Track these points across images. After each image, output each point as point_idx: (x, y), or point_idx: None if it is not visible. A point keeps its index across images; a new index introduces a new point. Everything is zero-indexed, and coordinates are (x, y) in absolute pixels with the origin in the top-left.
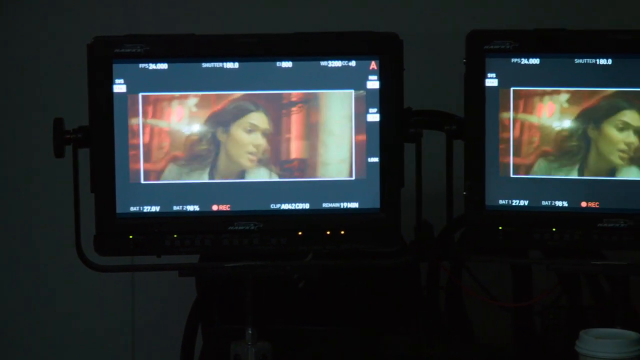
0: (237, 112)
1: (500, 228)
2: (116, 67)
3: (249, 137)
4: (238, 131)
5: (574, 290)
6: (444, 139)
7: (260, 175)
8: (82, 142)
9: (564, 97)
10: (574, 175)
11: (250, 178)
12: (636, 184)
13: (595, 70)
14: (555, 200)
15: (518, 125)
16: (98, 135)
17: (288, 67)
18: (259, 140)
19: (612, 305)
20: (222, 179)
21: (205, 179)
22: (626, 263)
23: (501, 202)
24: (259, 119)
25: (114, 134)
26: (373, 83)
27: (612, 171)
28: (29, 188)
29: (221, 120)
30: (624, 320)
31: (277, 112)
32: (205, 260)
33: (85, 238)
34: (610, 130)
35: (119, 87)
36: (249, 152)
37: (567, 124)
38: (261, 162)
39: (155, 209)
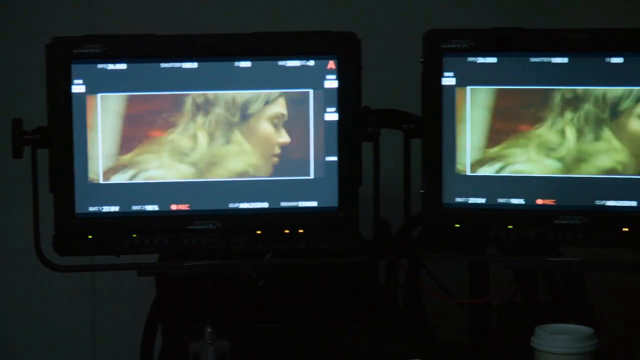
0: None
1: (457, 226)
2: (75, 68)
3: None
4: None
5: (530, 286)
6: (402, 137)
7: (219, 174)
8: (41, 142)
9: (520, 96)
10: (531, 173)
11: (208, 177)
12: (591, 180)
13: (551, 69)
14: (511, 198)
15: (475, 123)
16: (57, 136)
17: (247, 67)
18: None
19: (568, 301)
20: (181, 179)
21: (164, 178)
22: (581, 259)
23: (458, 200)
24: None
25: (72, 135)
26: (331, 82)
27: (567, 168)
28: None
29: (182, 122)
30: (579, 316)
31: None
32: (165, 259)
33: (45, 238)
34: (573, 128)
35: (78, 87)
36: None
37: (524, 123)
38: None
39: (115, 208)
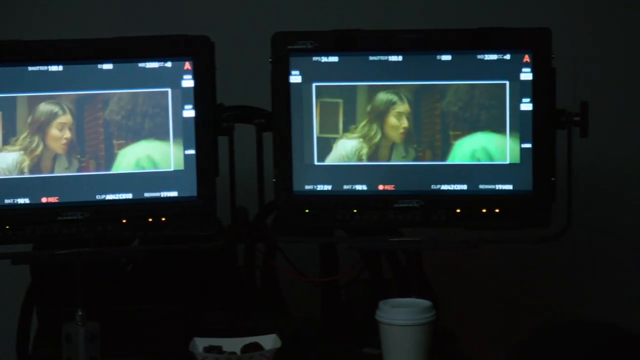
0: (51, 114)
1: (307, 211)
2: None
3: (60, 133)
4: (52, 129)
5: (375, 264)
6: (255, 131)
7: (86, 168)
8: None
9: (360, 91)
10: (371, 161)
11: (76, 172)
12: (426, 167)
13: (388, 66)
14: (355, 184)
15: (320, 117)
16: None
17: (109, 69)
18: (67, 134)
19: (408, 277)
20: (50, 173)
21: (34, 173)
22: (419, 238)
23: (307, 187)
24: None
25: None
26: (188, 82)
27: (397, 155)
28: None
29: (41, 122)
30: (418, 290)
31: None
32: (39, 248)
33: None
34: (391, 119)
35: None
36: (63, 143)
37: (361, 115)
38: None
39: None
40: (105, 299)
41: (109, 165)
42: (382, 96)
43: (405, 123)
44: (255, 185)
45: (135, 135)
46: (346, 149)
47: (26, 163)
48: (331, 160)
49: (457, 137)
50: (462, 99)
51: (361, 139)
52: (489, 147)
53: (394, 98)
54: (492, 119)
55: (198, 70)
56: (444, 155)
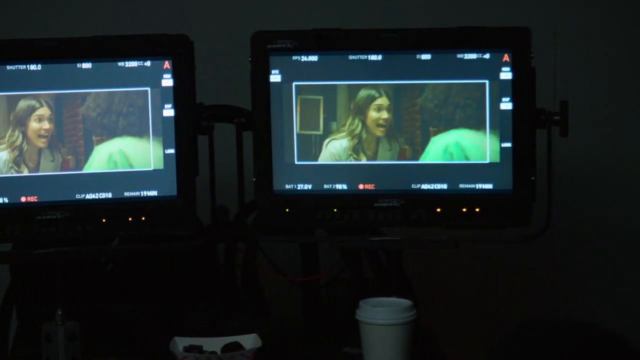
0: (29, 107)
1: (287, 210)
2: None
3: (39, 124)
4: (32, 122)
5: (355, 264)
6: (235, 130)
7: (66, 167)
8: None
9: (340, 90)
10: (352, 161)
11: (56, 171)
12: (406, 167)
13: (368, 66)
14: (335, 184)
15: (301, 116)
16: None
17: (88, 68)
18: (47, 125)
19: (389, 276)
20: (29, 173)
21: (13, 172)
22: (400, 238)
23: (287, 186)
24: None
25: None
26: (167, 81)
27: (383, 150)
28: None
29: (20, 116)
30: (399, 289)
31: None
32: (19, 247)
33: None
34: (372, 112)
35: None
36: (42, 134)
37: (343, 112)
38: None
39: None
40: (85, 298)
41: (88, 163)
42: (363, 92)
43: (385, 115)
44: (236, 184)
45: (115, 134)
46: (336, 148)
47: (12, 162)
48: (311, 159)
49: (436, 133)
50: (439, 96)
51: (348, 137)
52: (468, 145)
53: (375, 93)
54: (471, 117)
55: (178, 69)
56: (424, 150)
